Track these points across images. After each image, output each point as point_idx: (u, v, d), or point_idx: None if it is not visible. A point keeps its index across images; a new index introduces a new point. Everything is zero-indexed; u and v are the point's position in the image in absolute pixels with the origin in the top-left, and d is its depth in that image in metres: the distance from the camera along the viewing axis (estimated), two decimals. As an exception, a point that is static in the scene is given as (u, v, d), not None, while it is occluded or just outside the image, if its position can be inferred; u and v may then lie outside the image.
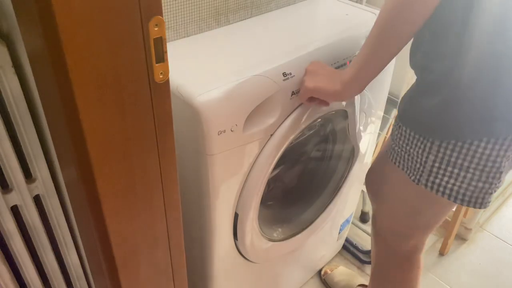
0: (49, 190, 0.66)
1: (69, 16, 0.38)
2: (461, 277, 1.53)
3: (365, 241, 1.62)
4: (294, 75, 0.83)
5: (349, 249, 1.58)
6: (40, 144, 0.62)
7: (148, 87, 0.48)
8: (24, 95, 0.57)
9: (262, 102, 0.79)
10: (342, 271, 1.45)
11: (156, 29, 0.45)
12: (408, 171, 0.79)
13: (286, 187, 1.19)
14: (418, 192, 0.80)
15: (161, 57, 0.47)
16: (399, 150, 0.79)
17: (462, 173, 0.71)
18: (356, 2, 1.27)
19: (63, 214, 0.70)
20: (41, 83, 0.52)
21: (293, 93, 0.84)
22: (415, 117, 0.74)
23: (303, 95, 0.83)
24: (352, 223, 1.63)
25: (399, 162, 0.80)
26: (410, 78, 1.40)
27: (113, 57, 0.43)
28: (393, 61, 1.10)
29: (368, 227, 1.66)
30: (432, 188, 0.75)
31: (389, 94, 1.42)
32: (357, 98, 0.99)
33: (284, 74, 0.82)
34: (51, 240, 0.71)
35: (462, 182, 0.71)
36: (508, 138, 0.66)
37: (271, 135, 0.85)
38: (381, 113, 1.20)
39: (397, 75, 1.40)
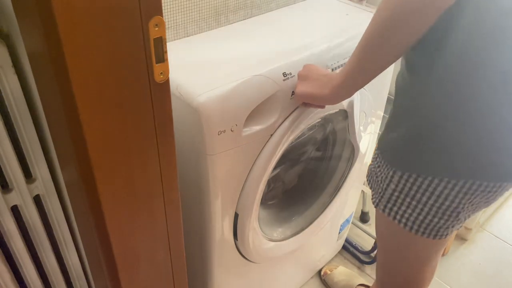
0: (49, 190, 0.66)
1: (69, 16, 0.38)
2: (461, 277, 1.53)
3: (365, 241, 1.62)
4: (294, 75, 0.83)
5: (349, 249, 1.58)
6: (40, 144, 0.62)
7: (148, 87, 0.48)
8: (24, 95, 0.57)
9: (262, 102, 0.79)
10: (342, 271, 1.45)
11: (156, 29, 0.45)
12: (373, 192, 0.79)
13: (286, 187, 1.19)
14: (387, 223, 0.79)
15: (161, 57, 0.47)
16: (372, 168, 0.79)
17: (420, 206, 0.70)
18: (356, 2, 1.27)
19: (63, 214, 0.70)
20: (41, 83, 0.52)
21: (293, 93, 0.84)
22: (385, 143, 0.73)
23: (296, 100, 0.83)
24: (352, 223, 1.63)
25: (369, 181, 0.80)
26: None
27: (113, 57, 0.43)
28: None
29: (368, 227, 1.66)
30: (389, 214, 0.75)
31: (389, 94, 1.42)
32: (357, 98, 0.99)
33: (284, 74, 0.82)
34: (51, 240, 0.71)
35: (418, 214, 0.71)
36: (469, 181, 0.65)
37: (271, 135, 0.85)
38: (381, 113, 1.20)
39: (397, 75, 1.40)
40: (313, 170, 1.20)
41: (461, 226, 0.74)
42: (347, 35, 0.97)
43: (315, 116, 0.91)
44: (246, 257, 1.01)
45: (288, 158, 1.10)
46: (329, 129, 1.11)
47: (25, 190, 0.63)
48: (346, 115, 1.04)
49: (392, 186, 0.72)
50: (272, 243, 1.06)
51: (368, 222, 1.69)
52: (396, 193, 0.72)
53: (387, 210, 0.75)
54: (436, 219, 0.70)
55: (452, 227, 0.71)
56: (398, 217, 0.74)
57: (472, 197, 0.67)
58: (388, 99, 1.36)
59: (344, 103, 0.97)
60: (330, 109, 0.95)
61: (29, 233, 0.68)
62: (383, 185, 0.74)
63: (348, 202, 1.34)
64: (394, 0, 0.57)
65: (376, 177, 0.76)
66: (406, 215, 0.72)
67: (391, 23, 0.58)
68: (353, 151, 1.13)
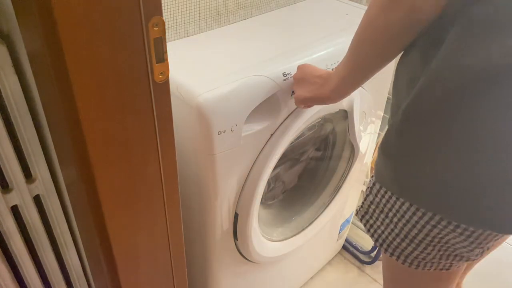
0: (49, 190, 0.66)
1: (69, 16, 0.38)
2: (461, 277, 1.53)
3: (365, 241, 1.62)
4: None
5: (349, 249, 1.58)
6: (40, 144, 0.62)
7: (148, 87, 0.48)
8: (24, 95, 0.57)
9: (262, 102, 0.79)
10: None
11: (156, 29, 0.45)
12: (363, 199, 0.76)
13: (286, 187, 1.19)
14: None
15: (161, 57, 0.47)
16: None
17: (391, 225, 0.67)
18: (357, 2, 1.27)
19: (63, 214, 0.70)
20: (41, 83, 0.52)
21: (293, 93, 0.84)
22: (380, 151, 0.68)
23: (297, 104, 0.81)
24: (352, 223, 1.63)
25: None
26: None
27: (113, 57, 0.43)
28: (393, 61, 1.10)
29: (368, 227, 1.66)
30: (365, 225, 0.73)
31: (389, 94, 1.42)
32: (357, 98, 0.99)
33: (284, 74, 0.82)
34: (51, 240, 0.71)
35: (389, 233, 0.68)
36: (437, 216, 0.60)
37: (271, 135, 0.85)
38: (381, 113, 1.20)
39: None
40: (313, 170, 1.20)
41: (442, 268, 0.68)
42: (347, 35, 0.97)
43: (315, 116, 0.91)
44: (246, 257, 1.01)
45: (288, 158, 1.10)
46: (329, 129, 1.11)
47: (25, 190, 0.63)
48: (346, 115, 1.04)
49: (371, 197, 0.70)
50: (272, 243, 1.06)
51: (368, 222, 1.69)
52: (372, 206, 0.70)
53: (363, 221, 0.73)
54: (404, 244, 0.66)
55: (424, 259, 0.67)
56: (371, 230, 0.72)
57: (442, 233, 0.62)
58: (388, 99, 1.36)
59: (344, 103, 0.97)
60: (330, 109, 0.95)
61: (29, 233, 0.68)
62: (366, 193, 0.72)
63: (348, 202, 1.34)
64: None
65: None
66: (379, 231, 0.70)
67: (379, 21, 0.56)
68: (353, 151, 1.13)
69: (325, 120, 1.06)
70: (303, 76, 0.78)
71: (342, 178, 1.18)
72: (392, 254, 0.69)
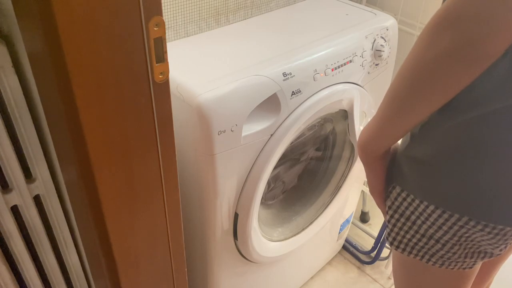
0: (49, 190, 0.66)
1: (69, 16, 0.38)
2: (461, 277, 1.53)
3: (365, 241, 1.62)
4: (294, 75, 0.83)
5: (349, 249, 1.58)
6: (40, 144, 0.62)
7: (148, 87, 0.48)
8: (24, 95, 0.57)
9: (262, 102, 0.79)
10: None
11: (156, 29, 0.45)
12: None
13: (286, 187, 1.19)
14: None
15: (161, 57, 0.47)
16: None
17: (414, 227, 0.65)
18: (357, 2, 1.27)
19: (63, 214, 0.70)
20: (41, 83, 0.52)
21: (293, 93, 0.84)
22: (403, 154, 0.65)
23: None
24: (352, 223, 1.63)
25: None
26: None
27: (113, 57, 0.43)
28: (393, 61, 1.10)
29: (368, 227, 1.66)
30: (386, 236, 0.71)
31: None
32: (357, 98, 0.99)
33: (284, 74, 0.82)
34: (51, 240, 0.71)
35: (412, 236, 0.66)
36: (464, 217, 0.59)
37: (271, 135, 0.85)
38: (381, 113, 1.20)
39: (397, 75, 1.40)
40: (313, 170, 1.20)
41: (466, 267, 0.68)
42: (347, 35, 0.97)
43: (315, 116, 0.91)
44: (246, 257, 1.01)
45: (288, 158, 1.10)
46: (329, 129, 1.11)
47: (25, 190, 0.63)
48: (346, 115, 1.04)
49: (388, 202, 0.68)
50: (272, 243, 1.06)
51: (368, 222, 1.69)
52: (390, 211, 0.68)
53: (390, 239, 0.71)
54: (429, 244, 0.65)
55: (449, 258, 0.67)
56: (392, 235, 0.70)
57: (469, 232, 0.62)
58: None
59: (344, 103, 0.98)
60: (330, 109, 0.95)
61: (29, 233, 0.68)
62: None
63: (348, 202, 1.34)
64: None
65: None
66: (399, 237, 0.69)
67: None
68: (353, 151, 1.13)
69: (325, 120, 1.06)
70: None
71: (342, 178, 1.18)
72: (416, 255, 0.68)
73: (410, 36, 1.35)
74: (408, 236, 0.68)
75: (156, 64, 0.47)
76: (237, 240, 0.95)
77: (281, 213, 1.15)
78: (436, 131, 0.58)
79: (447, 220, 0.61)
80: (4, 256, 0.66)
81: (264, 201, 1.13)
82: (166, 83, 0.50)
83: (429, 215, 0.63)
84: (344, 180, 1.18)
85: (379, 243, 1.48)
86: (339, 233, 1.44)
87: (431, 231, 0.64)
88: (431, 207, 0.62)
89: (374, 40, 0.99)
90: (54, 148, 0.60)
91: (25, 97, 0.57)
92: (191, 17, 0.94)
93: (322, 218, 1.19)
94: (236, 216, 0.91)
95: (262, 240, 1.01)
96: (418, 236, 0.66)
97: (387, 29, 1.03)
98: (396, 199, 0.66)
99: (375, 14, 1.07)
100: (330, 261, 1.54)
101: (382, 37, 1.01)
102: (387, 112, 0.58)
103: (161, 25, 0.45)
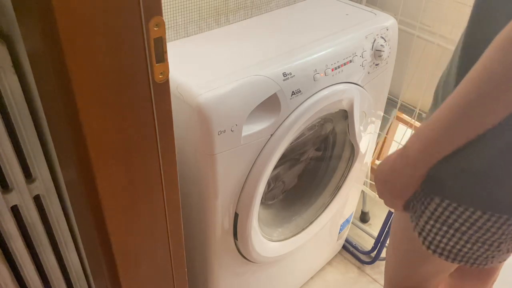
0: (49, 190, 0.66)
1: (69, 16, 0.38)
2: (461, 277, 1.53)
3: (365, 241, 1.62)
4: (294, 75, 0.83)
5: (349, 249, 1.58)
6: (40, 144, 0.62)
7: (148, 87, 0.48)
8: (24, 95, 0.57)
9: (262, 102, 0.79)
10: None
11: (156, 29, 0.45)
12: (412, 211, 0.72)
13: (286, 187, 1.19)
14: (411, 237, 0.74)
15: (161, 57, 0.47)
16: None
17: (458, 235, 0.66)
18: (357, 2, 1.27)
19: (63, 214, 0.70)
20: (41, 83, 0.52)
21: (293, 93, 0.84)
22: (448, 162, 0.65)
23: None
24: (352, 223, 1.63)
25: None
26: (409, 78, 1.40)
27: (113, 57, 0.43)
28: (393, 61, 1.10)
29: (368, 227, 1.66)
30: (423, 242, 0.70)
31: (389, 94, 1.42)
32: (357, 98, 0.99)
33: (284, 74, 0.82)
34: (51, 240, 0.71)
35: (456, 243, 0.67)
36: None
37: (271, 135, 0.85)
38: (381, 113, 1.20)
39: (397, 75, 1.41)
40: (313, 170, 1.20)
41: (505, 259, 0.69)
42: (347, 35, 0.97)
43: (315, 116, 0.91)
44: (246, 257, 1.01)
45: (288, 158, 1.10)
46: (329, 129, 1.11)
47: (25, 190, 0.63)
48: (346, 115, 1.04)
49: (428, 213, 0.67)
50: (272, 243, 1.06)
51: (368, 222, 1.69)
52: (431, 222, 0.67)
53: (421, 239, 0.71)
54: (475, 247, 0.66)
55: (492, 257, 0.68)
56: (432, 247, 0.69)
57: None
58: (388, 99, 1.36)
59: (344, 103, 0.98)
60: (330, 109, 0.95)
61: (29, 233, 0.68)
62: (419, 209, 0.70)
63: (348, 202, 1.34)
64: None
65: (415, 196, 0.71)
66: (442, 245, 0.68)
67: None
68: (353, 151, 1.13)
69: (325, 120, 1.06)
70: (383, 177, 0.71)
71: (342, 178, 1.18)
72: (460, 261, 0.68)
73: (410, 36, 1.35)
74: (451, 243, 0.68)
75: (156, 64, 0.47)
76: (237, 240, 0.95)
77: (281, 213, 1.15)
78: (497, 141, 0.58)
79: (495, 222, 0.62)
80: (4, 256, 0.66)
81: (264, 201, 1.13)
82: (166, 83, 0.50)
83: (476, 220, 0.63)
84: (344, 180, 1.18)
85: (379, 243, 1.48)
86: (339, 233, 1.44)
87: (477, 235, 0.64)
88: (478, 213, 0.62)
89: (374, 40, 0.99)
90: (54, 148, 0.60)
91: (25, 97, 0.57)
92: (191, 17, 0.94)
93: (322, 218, 1.19)
94: (236, 216, 0.91)
95: (262, 240, 1.01)
96: (462, 242, 0.67)
97: (387, 29, 1.03)
98: (436, 209, 0.66)
99: (375, 14, 1.07)
100: (330, 261, 1.54)
101: (382, 37, 1.01)
102: (453, 119, 0.57)
103: (161, 25, 0.45)
